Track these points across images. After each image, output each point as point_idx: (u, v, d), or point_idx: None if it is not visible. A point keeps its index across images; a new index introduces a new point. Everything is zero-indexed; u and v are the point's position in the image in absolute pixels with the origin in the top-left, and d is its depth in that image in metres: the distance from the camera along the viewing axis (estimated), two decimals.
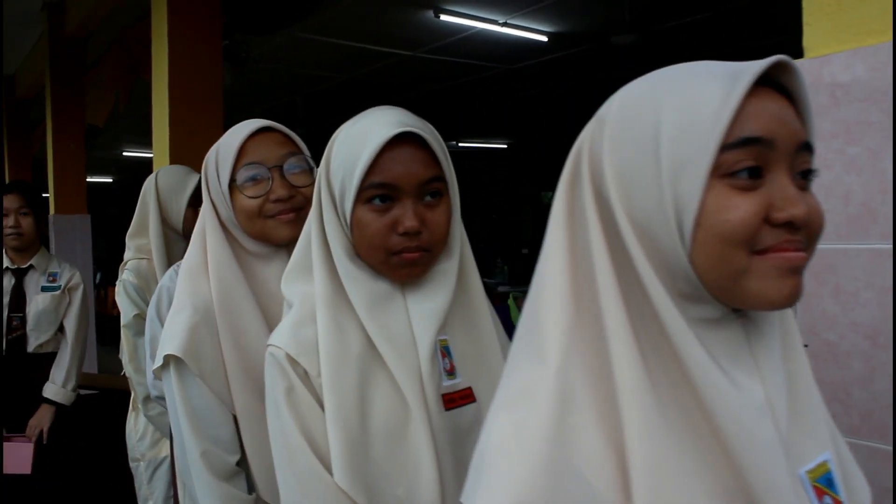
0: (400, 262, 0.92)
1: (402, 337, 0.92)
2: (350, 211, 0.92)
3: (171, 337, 1.17)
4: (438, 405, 0.92)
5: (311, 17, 3.82)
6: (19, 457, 2.40)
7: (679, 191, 0.53)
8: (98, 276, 9.07)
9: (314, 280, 0.95)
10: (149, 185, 2.11)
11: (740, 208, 0.52)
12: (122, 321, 2.07)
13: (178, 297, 1.22)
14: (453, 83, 7.28)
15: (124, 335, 2.07)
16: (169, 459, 2.16)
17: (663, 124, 0.54)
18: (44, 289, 2.54)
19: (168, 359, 1.17)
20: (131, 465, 2.19)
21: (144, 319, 2.05)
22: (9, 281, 2.54)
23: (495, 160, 11.33)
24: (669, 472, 0.50)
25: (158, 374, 1.22)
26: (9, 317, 2.49)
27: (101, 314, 6.66)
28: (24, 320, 2.50)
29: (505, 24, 5.34)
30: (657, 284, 0.53)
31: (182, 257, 2.11)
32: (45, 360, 2.54)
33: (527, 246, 10.43)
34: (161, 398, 1.60)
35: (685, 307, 0.54)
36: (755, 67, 0.53)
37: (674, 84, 0.56)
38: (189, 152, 2.74)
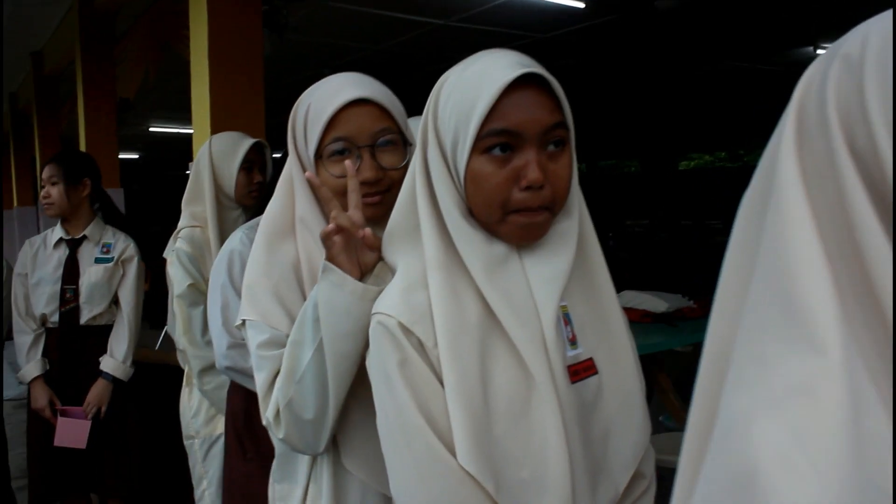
0: (519, 221, 0.83)
1: (524, 303, 0.83)
2: (465, 163, 0.82)
3: (254, 302, 1.08)
4: (565, 377, 0.83)
5: None
6: (76, 433, 2.38)
7: None
8: None
9: (422, 242, 0.86)
10: (203, 150, 2.07)
11: None
12: (176, 291, 1.99)
13: (261, 258, 1.11)
14: None
15: (178, 306, 1.98)
16: (224, 436, 2.09)
17: None
18: (97, 260, 2.47)
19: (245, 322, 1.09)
20: (185, 442, 2.12)
21: (198, 290, 1.98)
22: (63, 252, 2.48)
23: None
24: None
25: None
26: (62, 289, 2.44)
27: None
28: (77, 292, 2.44)
29: None
30: None
31: (234, 225, 2.05)
32: (98, 333, 2.49)
33: None
34: (231, 369, 1.52)
35: None
36: None
37: None
38: (231, 119, 2.65)
